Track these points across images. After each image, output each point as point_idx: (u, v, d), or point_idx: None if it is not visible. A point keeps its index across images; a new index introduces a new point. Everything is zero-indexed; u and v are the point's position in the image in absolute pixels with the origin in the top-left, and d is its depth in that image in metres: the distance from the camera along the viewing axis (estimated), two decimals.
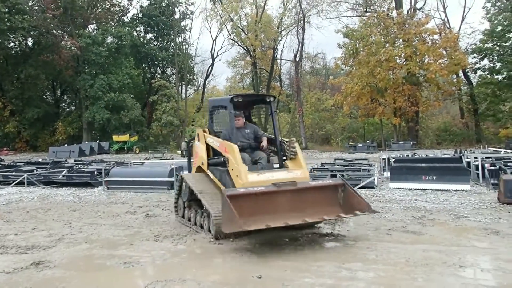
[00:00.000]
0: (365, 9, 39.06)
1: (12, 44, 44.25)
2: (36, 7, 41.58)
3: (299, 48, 41.39)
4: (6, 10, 38.44)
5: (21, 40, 44.36)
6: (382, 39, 33.22)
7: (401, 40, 33.07)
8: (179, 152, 31.85)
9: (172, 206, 9.13)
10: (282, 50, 48.60)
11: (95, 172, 15.38)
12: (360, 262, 5.81)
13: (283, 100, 50.93)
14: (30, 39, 44.07)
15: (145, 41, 50.40)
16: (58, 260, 6.13)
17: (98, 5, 47.21)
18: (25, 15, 38.70)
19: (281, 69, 50.52)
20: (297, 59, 42.14)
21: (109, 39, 43.96)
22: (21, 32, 39.87)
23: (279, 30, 44.11)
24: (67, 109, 50.84)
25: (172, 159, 20.92)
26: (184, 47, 49.56)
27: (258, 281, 5.22)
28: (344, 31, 36.43)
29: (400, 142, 31.88)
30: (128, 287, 5.32)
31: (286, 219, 6.41)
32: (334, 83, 38.58)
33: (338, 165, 16.52)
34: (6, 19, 37.77)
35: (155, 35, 51.31)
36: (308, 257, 6.17)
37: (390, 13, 34.72)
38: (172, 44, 49.64)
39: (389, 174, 14.07)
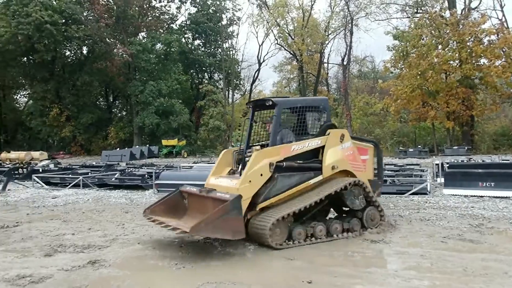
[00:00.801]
0: (415, 10, 37.97)
1: (68, 53, 46.41)
2: (91, 17, 43.36)
3: (347, 52, 40.88)
4: (63, 21, 40.42)
5: (76, 49, 46.44)
6: (434, 41, 32.16)
7: (454, 42, 31.85)
8: None
9: None
10: (329, 54, 48.09)
11: (146, 175, 15.78)
12: (413, 270, 5.61)
13: (330, 105, 50.33)
14: (85, 47, 46.02)
15: (193, 47, 51.40)
16: (112, 260, 6.31)
17: (149, 13, 48.63)
18: (81, 25, 40.51)
19: (328, 73, 50.07)
20: (345, 63, 41.60)
21: (158, 46, 45.16)
22: (77, 41, 41.70)
23: (326, 34, 43.71)
24: (119, 115, 52.54)
25: None
26: (231, 52, 50.18)
27: (308, 286, 5.15)
28: (394, 33, 35.59)
29: (454, 147, 30.61)
30: (180, 287, 5.38)
31: (178, 221, 7.06)
32: (383, 87, 37.68)
33: (388, 171, 16.10)
34: (63, 30, 39.68)
35: (202, 41, 52.23)
36: (359, 263, 6.04)
37: (443, 14, 33.57)
38: (219, 50, 50.34)
39: (442, 180, 13.50)
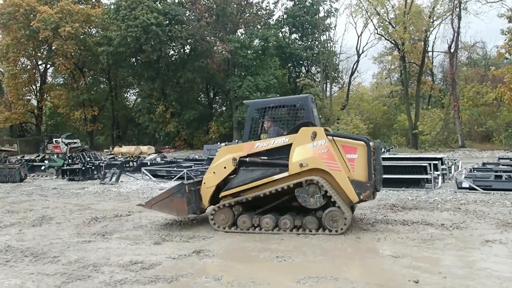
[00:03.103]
0: None
1: (172, 52, 49.03)
2: (192, 17, 45.30)
3: (454, 38, 37.94)
4: (167, 22, 42.79)
5: (179, 48, 48.89)
6: None
7: None
8: None
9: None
10: (434, 42, 45.02)
11: None
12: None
13: (436, 95, 47.42)
14: (187, 46, 48.26)
15: (290, 41, 51.40)
16: (216, 250, 6.48)
17: (246, 10, 49.59)
18: (183, 25, 42.55)
19: (433, 62, 47.05)
20: (452, 50, 38.70)
21: (256, 42, 45.88)
22: (180, 40, 43.87)
23: (431, 20, 41.00)
24: (219, 110, 54.38)
25: None
26: (328, 45, 49.31)
27: (415, 286, 4.82)
28: (509, 15, 32.32)
29: None
30: (280, 280, 5.35)
31: None
32: (496, 74, 34.47)
33: (503, 165, 14.69)
34: (167, 30, 42.02)
35: (299, 35, 52.03)
36: (474, 264, 5.54)
37: None
38: (317, 42, 49.76)
39: None
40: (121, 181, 16.45)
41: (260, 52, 44.46)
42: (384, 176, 12.34)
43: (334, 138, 7.36)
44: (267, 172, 7.48)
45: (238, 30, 48.80)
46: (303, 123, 7.53)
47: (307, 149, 7.27)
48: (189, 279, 5.30)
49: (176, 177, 16.64)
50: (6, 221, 9.26)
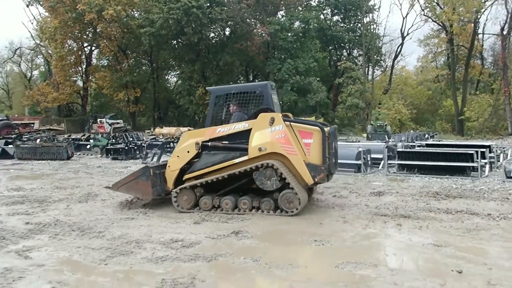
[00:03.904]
0: None
1: (212, 34, 49.13)
2: None
3: (508, 20, 36.15)
4: (208, 4, 42.80)
5: (219, 31, 48.90)
6: None
7: None
8: (365, 135, 31.23)
9: (359, 189, 8.90)
10: (485, 23, 43.21)
11: None
12: None
13: (485, 80, 45.44)
14: (227, 29, 48.22)
15: (331, 23, 50.41)
16: (254, 231, 6.53)
17: None
18: (223, 7, 42.46)
19: (483, 45, 45.02)
20: (505, 32, 36.88)
21: (297, 24, 45.25)
22: (220, 23, 43.83)
23: (482, 0, 39.17)
24: None
25: (358, 142, 20.56)
26: (371, 27, 48.02)
27: (458, 276, 4.68)
28: None
29: None
30: (319, 263, 5.36)
31: None
32: None
33: None
34: (207, 12, 42.06)
35: (341, 16, 50.84)
36: None
37: None
38: (359, 25, 48.55)
39: None
40: (162, 161, 16.75)
41: (300, 34, 43.88)
42: (427, 163, 12.11)
43: (291, 123, 7.74)
44: (228, 155, 7.86)
45: (278, 12, 48.24)
46: (262, 109, 7.89)
47: (266, 134, 7.63)
48: (227, 258, 5.37)
49: None
50: (55, 197, 9.65)
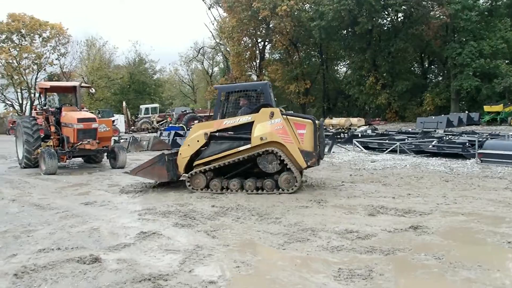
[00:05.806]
0: None
1: (384, 21, 47.29)
2: None
3: None
4: None
5: (392, 16, 46.80)
6: None
7: None
8: None
9: None
10: None
11: (467, 144, 14.63)
12: None
13: None
14: (400, 14, 45.88)
15: None
16: (435, 228, 6.09)
17: None
18: None
19: None
20: None
21: (481, 1, 40.58)
22: (394, 7, 41.91)
23: None
24: (434, 80, 50.48)
25: None
26: None
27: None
28: None
29: None
30: None
31: None
32: None
33: None
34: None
35: None
36: None
37: None
38: None
39: None
40: (333, 152, 16.86)
41: (486, 13, 39.23)
42: None
43: (288, 117, 9.03)
44: (233, 144, 9.05)
45: None
46: (263, 105, 9.17)
47: (266, 126, 8.86)
48: (406, 253, 5.12)
49: (389, 150, 16.24)
50: None
